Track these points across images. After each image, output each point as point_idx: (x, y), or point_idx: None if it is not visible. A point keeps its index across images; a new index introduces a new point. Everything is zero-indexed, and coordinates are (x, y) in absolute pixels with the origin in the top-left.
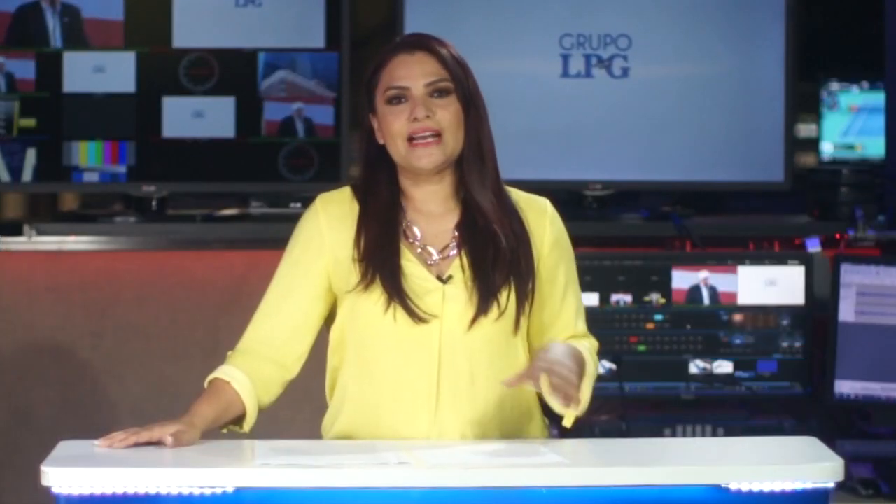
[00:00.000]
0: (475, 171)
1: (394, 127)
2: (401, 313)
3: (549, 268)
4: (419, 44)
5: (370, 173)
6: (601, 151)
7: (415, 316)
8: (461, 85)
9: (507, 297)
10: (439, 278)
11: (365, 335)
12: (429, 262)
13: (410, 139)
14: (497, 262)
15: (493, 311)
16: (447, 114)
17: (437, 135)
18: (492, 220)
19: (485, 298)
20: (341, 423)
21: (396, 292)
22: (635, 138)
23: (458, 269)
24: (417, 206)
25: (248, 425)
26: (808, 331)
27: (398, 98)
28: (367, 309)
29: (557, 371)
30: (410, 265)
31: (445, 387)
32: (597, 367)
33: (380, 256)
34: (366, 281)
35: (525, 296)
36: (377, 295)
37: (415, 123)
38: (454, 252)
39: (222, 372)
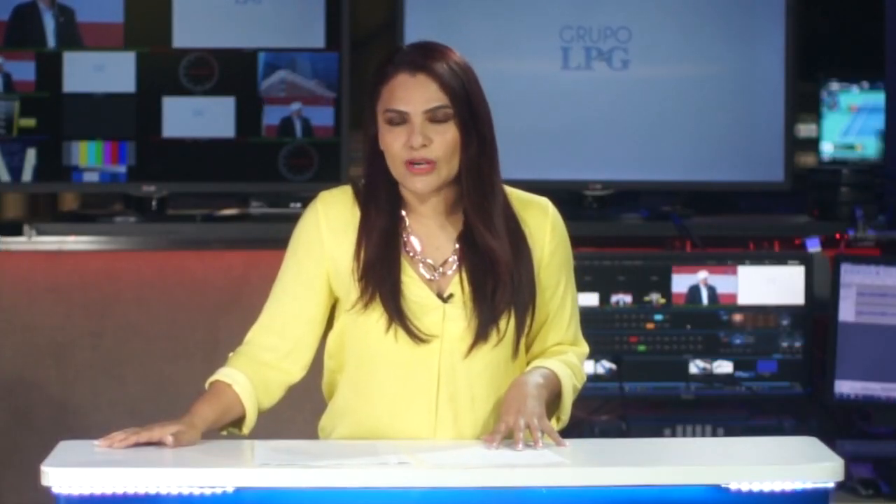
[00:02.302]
0: (473, 192)
1: (392, 148)
2: (401, 333)
3: (549, 275)
4: (422, 65)
5: (372, 180)
6: (601, 151)
7: (415, 337)
8: (461, 108)
9: (507, 323)
10: (440, 296)
11: (365, 353)
12: (429, 278)
13: (406, 163)
14: (497, 291)
15: (493, 338)
16: (443, 141)
17: (433, 163)
18: (493, 247)
19: (484, 326)
20: (342, 430)
21: (397, 313)
22: (635, 138)
23: (458, 286)
24: (418, 217)
25: (247, 428)
26: (808, 331)
27: (396, 120)
28: (368, 328)
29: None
30: (411, 282)
31: (444, 408)
32: (581, 376)
33: (380, 274)
34: (365, 299)
35: (525, 319)
36: (378, 314)
37: (411, 151)
38: (455, 267)
39: (223, 374)
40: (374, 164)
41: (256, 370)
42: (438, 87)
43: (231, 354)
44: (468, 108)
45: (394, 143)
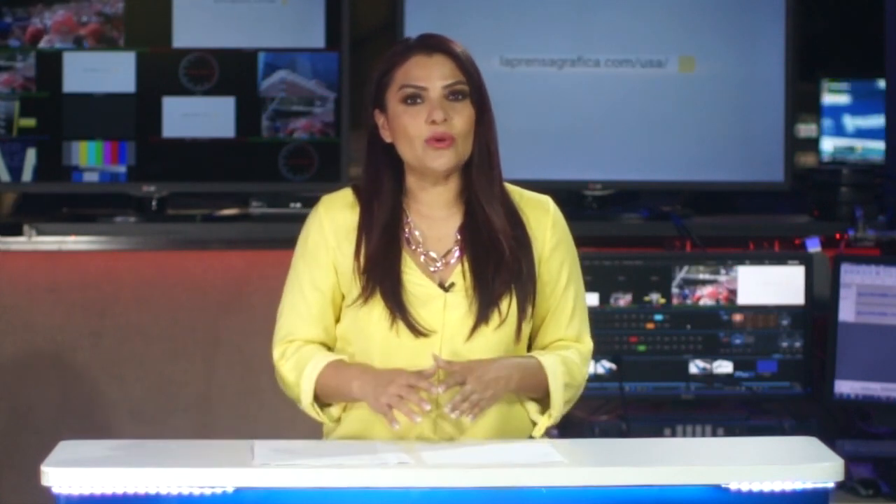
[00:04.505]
0: (483, 176)
1: (410, 128)
2: (403, 327)
3: (551, 271)
4: (437, 46)
5: (374, 173)
6: (601, 151)
7: (416, 331)
8: (475, 88)
9: (508, 306)
10: (441, 286)
11: (367, 347)
12: (431, 269)
13: (426, 140)
14: (499, 271)
15: (494, 320)
16: (462, 118)
17: (453, 139)
18: (496, 226)
19: (484, 308)
20: (343, 430)
21: (398, 307)
22: (635, 138)
23: (460, 275)
24: (421, 208)
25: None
26: (808, 331)
27: (414, 98)
28: (371, 322)
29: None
30: (412, 274)
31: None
32: (581, 374)
33: (381, 269)
34: (366, 294)
35: (526, 303)
36: (380, 309)
37: (432, 126)
38: (456, 257)
39: (327, 356)
40: (375, 160)
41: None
42: (455, 66)
43: (285, 362)
44: (480, 90)
45: (412, 123)
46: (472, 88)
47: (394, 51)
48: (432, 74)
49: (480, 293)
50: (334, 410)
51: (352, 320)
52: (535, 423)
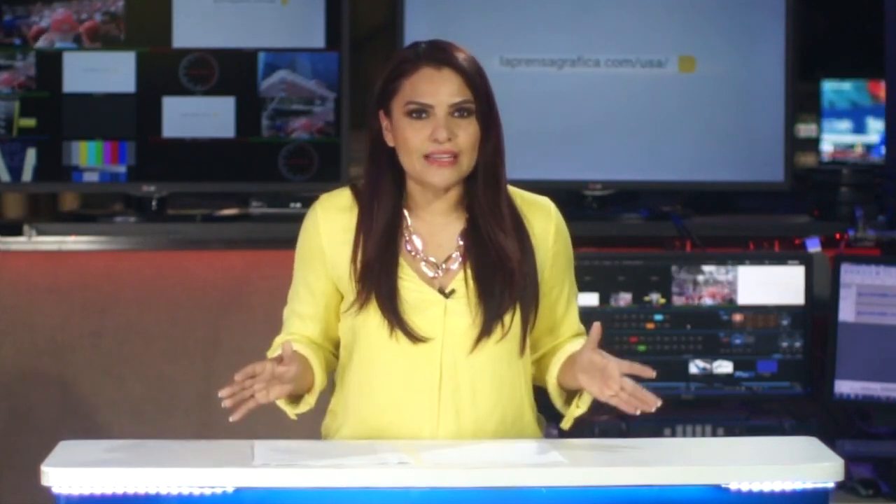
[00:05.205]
0: (489, 191)
1: (412, 142)
2: (401, 334)
3: (555, 275)
4: (446, 60)
5: (375, 175)
6: (601, 151)
7: (412, 337)
8: (482, 104)
9: (512, 318)
10: (441, 292)
11: (367, 352)
12: (431, 276)
13: (427, 156)
14: (506, 288)
15: (496, 333)
16: (467, 136)
17: (455, 156)
18: (499, 239)
19: (489, 321)
20: (343, 436)
21: (393, 314)
22: (635, 138)
23: (462, 282)
24: (421, 213)
25: (310, 400)
26: (808, 331)
27: (419, 113)
28: (369, 328)
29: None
30: (409, 280)
31: (446, 403)
32: None
33: (377, 276)
34: (361, 300)
35: (529, 314)
36: (377, 315)
37: (434, 144)
38: (458, 263)
39: (275, 350)
40: (377, 162)
41: (313, 349)
42: (463, 83)
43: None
44: (487, 105)
45: (414, 137)
46: (478, 105)
47: (403, 56)
48: (440, 91)
49: (485, 306)
50: (301, 405)
51: (350, 326)
52: (552, 417)
